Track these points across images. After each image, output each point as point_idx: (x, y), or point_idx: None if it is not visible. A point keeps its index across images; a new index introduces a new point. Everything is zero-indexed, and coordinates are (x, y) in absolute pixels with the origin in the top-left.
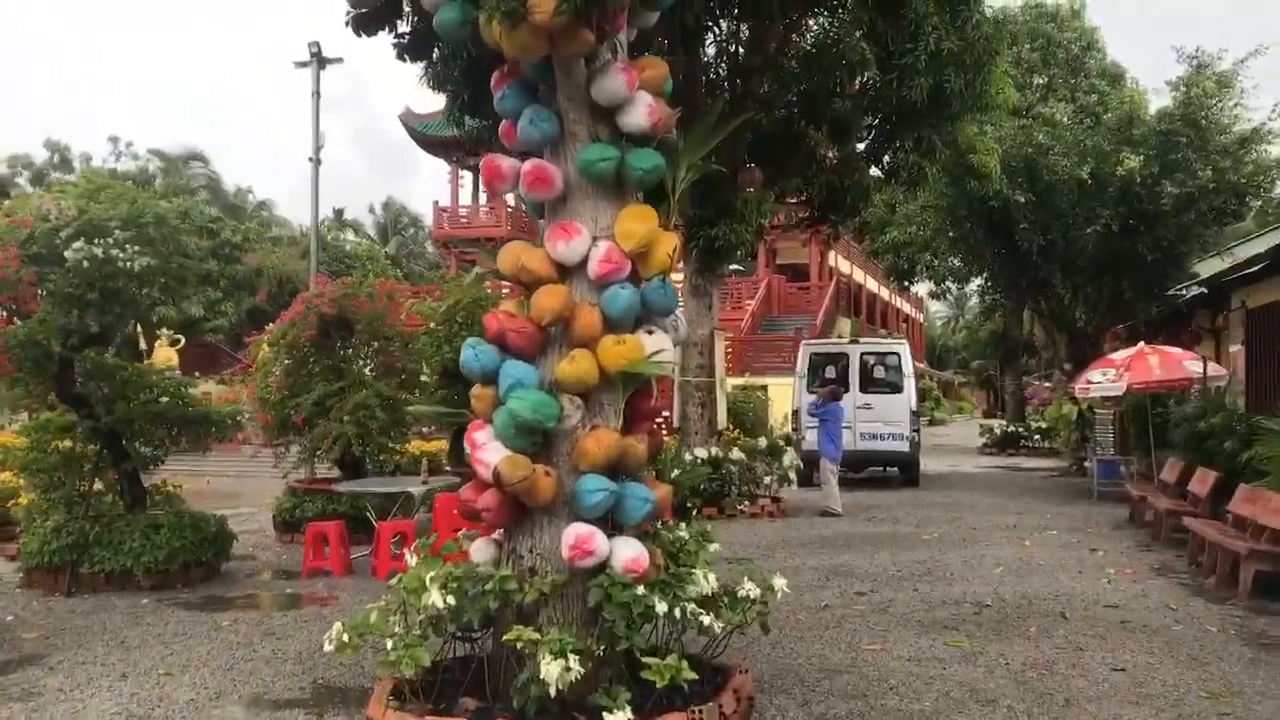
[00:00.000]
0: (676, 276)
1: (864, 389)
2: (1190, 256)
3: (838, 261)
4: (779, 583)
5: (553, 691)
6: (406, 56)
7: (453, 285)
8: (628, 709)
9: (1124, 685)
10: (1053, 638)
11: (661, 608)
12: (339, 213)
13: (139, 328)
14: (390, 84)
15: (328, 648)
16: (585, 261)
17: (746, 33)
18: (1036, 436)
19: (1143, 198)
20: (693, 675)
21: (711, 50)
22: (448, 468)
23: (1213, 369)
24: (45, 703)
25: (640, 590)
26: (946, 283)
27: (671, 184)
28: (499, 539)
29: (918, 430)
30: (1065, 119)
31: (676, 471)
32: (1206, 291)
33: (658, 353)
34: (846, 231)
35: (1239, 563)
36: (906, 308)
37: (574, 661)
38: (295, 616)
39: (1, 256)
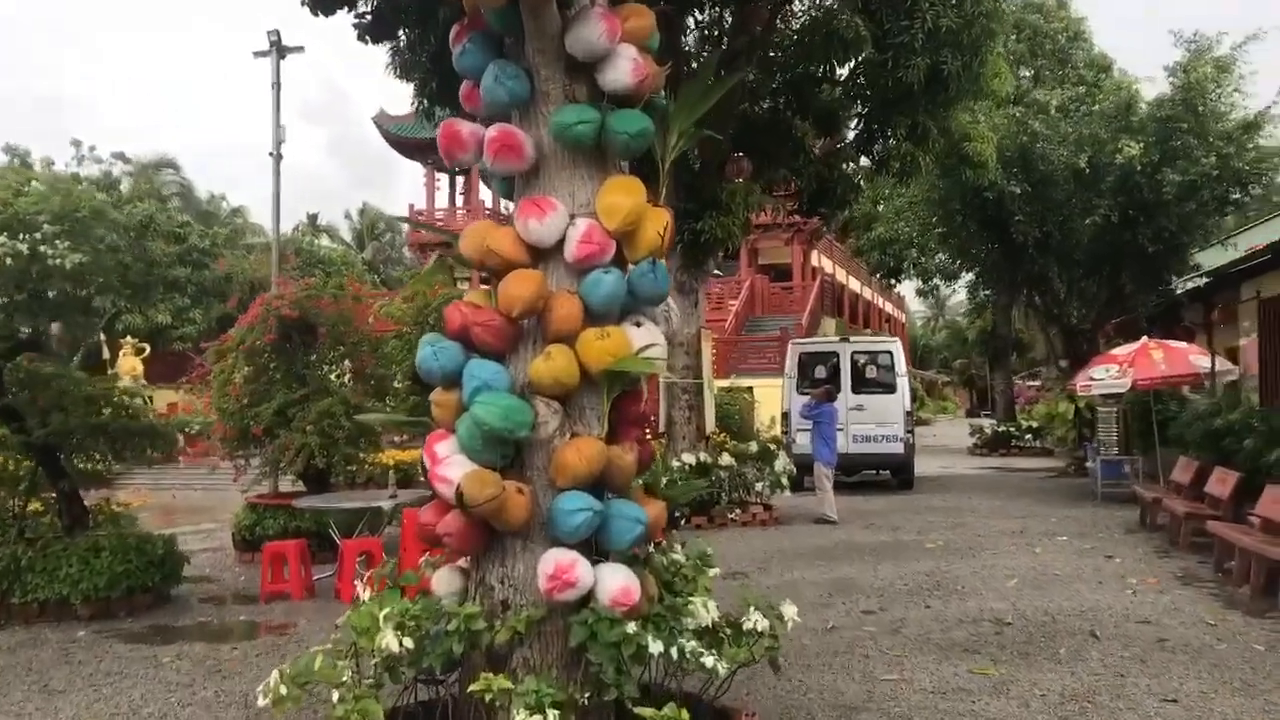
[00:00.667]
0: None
1: (856, 389)
2: (1191, 247)
3: (820, 261)
4: (789, 611)
5: None
6: (367, 38)
7: (411, 276)
8: None
9: None
10: (1087, 661)
11: (656, 647)
12: (313, 218)
13: (102, 336)
14: (369, 92)
15: (261, 702)
16: (562, 243)
17: (730, 18)
18: (1028, 436)
19: (1143, 187)
20: None
21: (693, 39)
22: (422, 479)
23: (1221, 364)
24: None
25: (631, 627)
26: (934, 280)
27: (661, 153)
28: (466, 567)
29: (912, 431)
30: (1057, 104)
31: (669, 482)
32: (1206, 283)
33: (647, 348)
34: (835, 225)
35: (1274, 570)
36: (889, 308)
37: (553, 717)
38: (247, 649)
39: None
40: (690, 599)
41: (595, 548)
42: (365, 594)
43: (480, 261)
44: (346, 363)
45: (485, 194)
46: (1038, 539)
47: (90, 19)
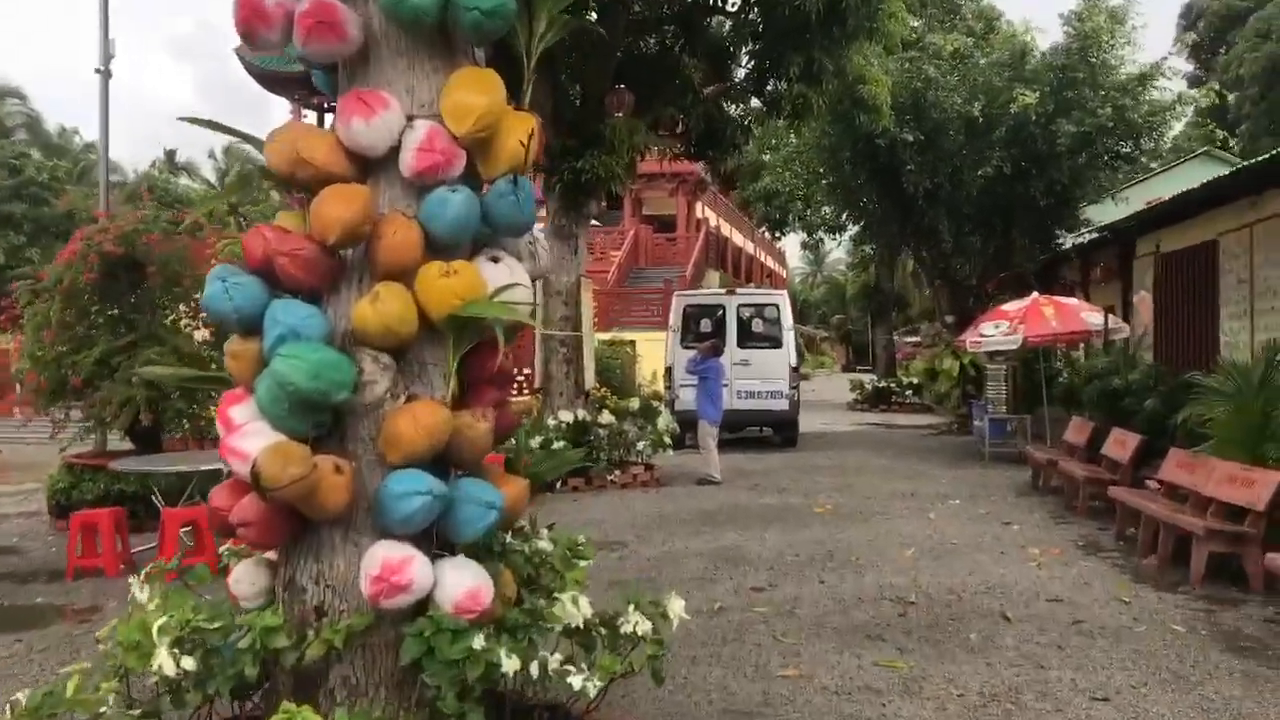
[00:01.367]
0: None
1: (741, 344)
2: (1081, 202)
3: (705, 213)
4: (675, 608)
5: None
6: None
7: (204, 195)
8: None
9: None
10: (1002, 649)
11: (510, 665)
12: (171, 154)
13: None
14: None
15: None
16: (396, 151)
17: None
18: (908, 392)
19: (1036, 138)
20: None
21: None
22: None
23: (1114, 321)
24: None
25: (479, 641)
26: (819, 234)
27: (525, 42)
28: (275, 560)
29: (797, 388)
30: (953, 50)
31: (537, 452)
32: (1092, 239)
33: (507, 289)
34: (724, 169)
35: (1183, 540)
36: (771, 263)
37: None
38: (33, 641)
39: None
40: (559, 596)
41: (438, 539)
42: (141, 593)
43: (290, 174)
44: (182, 307)
45: None
46: (930, 502)
47: None
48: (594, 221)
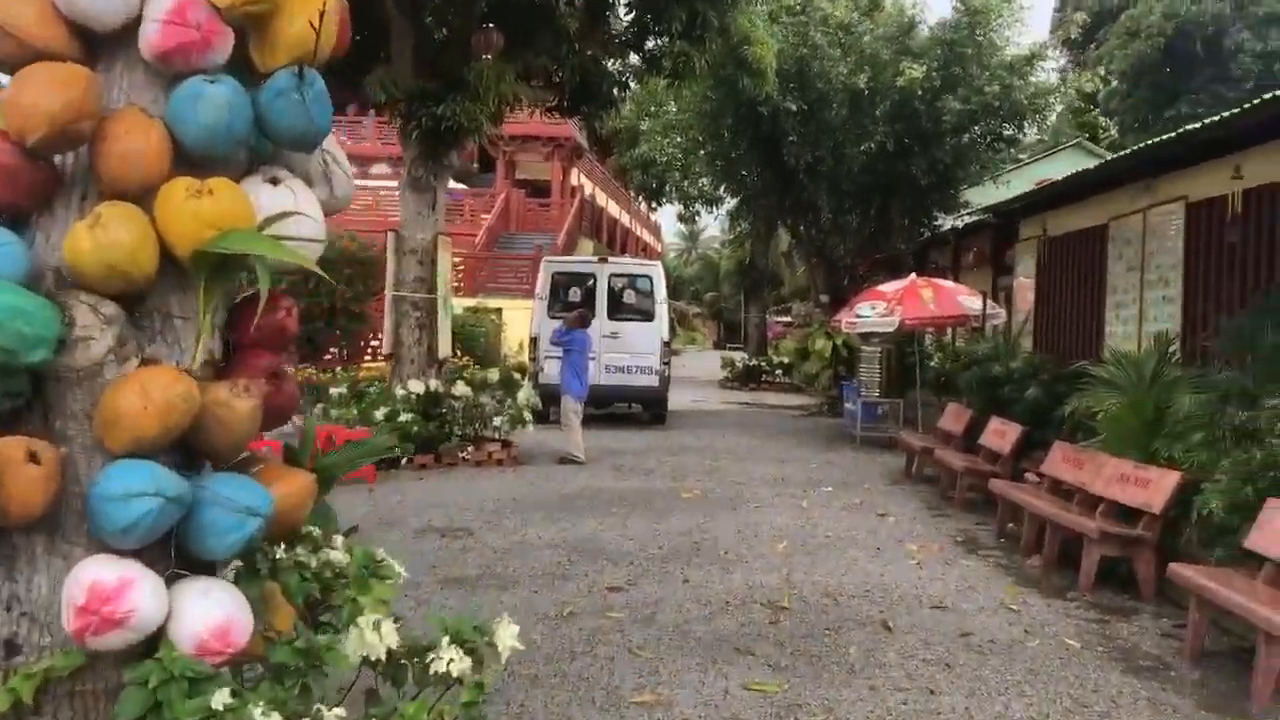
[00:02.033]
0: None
1: (612, 315)
2: (962, 183)
3: (581, 180)
4: (506, 638)
5: None
6: None
7: None
8: None
9: None
10: (886, 668)
11: None
12: None
13: None
14: None
15: None
16: (135, 26)
17: None
18: (778, 371)
19: (921, 114)
20: None
21: None
22: None
23: (992, 307)
24: None
25: (220, 696)
26: (695, 206)
27: None
28: None
29: (668, 363)
30: (840, 18)
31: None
32: (968, 223)
33: (284, 218)
34: (600, 129)
35: (1069, 540)
36: (647, 236)
37: None
38: None
39: None
40: (355, 623)
41: (182, 553)
42: None
43: None
44: None
45: None
46: (801, 489)
47: None
48: (460, 184)
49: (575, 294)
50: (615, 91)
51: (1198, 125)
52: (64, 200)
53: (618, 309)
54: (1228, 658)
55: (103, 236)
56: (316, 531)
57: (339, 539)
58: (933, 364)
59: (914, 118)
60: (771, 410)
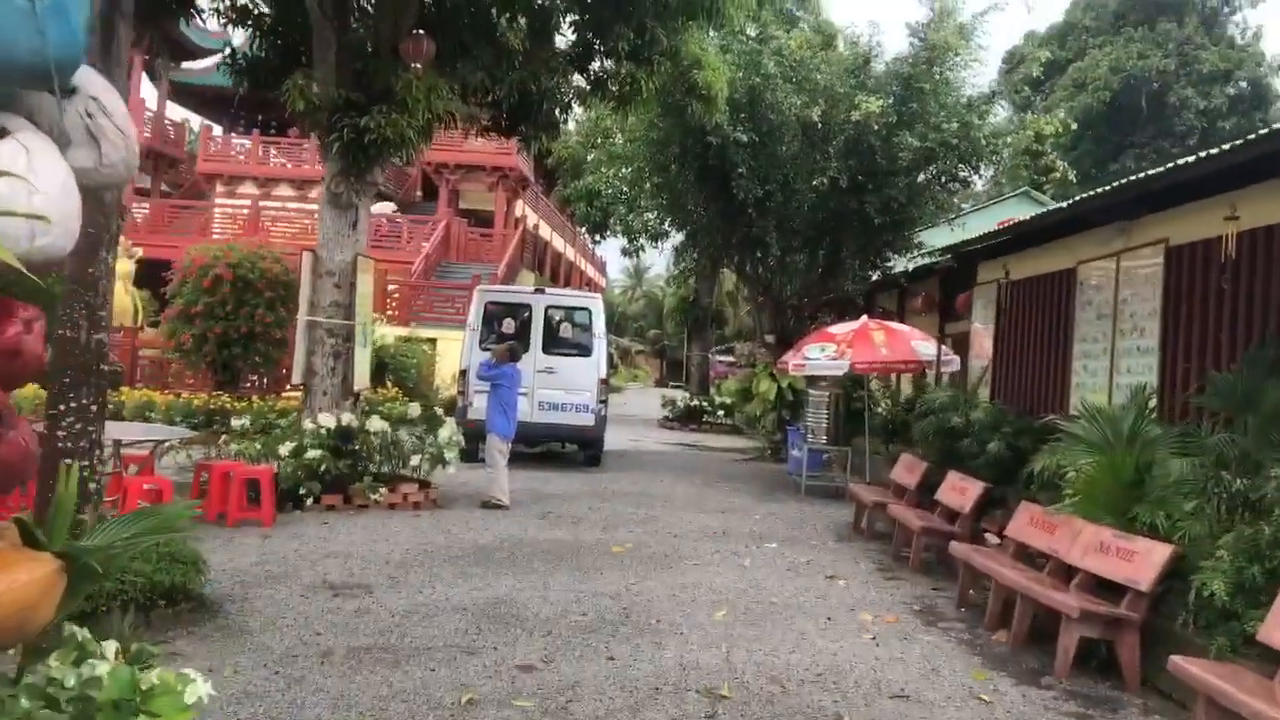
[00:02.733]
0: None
1: (548, 349)
2: (916, 224)
3: (525, 212)
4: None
5: None
6: None
7: None
8: None
9: None
10: None
11: None
12: None
13: None
14: None
15: None
16: None
17: None
18: (720, 412)
19: (876, 150)
20: None
21: None
22: None
23: (946, 353)
24: None
25: None
26: (640, 240)
27: None
28: None
29: (605, 401)
30: (795, 47)
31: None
32: (918, 266)
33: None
34: (537, 148)
35: (1041, 614)
36: (591, 271)
37: None
38: None
39: None
40: None
41: None
42: None
43: None
44: None
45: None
46: (744, 545)
47: None
48: (392, 205)
49: (510, 325)
50: (557, 113)
51: (1189, 160)
52: None
53: (554, 342)
54: None
55: None
56: (82, 635)
57: (106, 646)
58: (880, 410)
59: (868, 153)
60: (712, 453)
